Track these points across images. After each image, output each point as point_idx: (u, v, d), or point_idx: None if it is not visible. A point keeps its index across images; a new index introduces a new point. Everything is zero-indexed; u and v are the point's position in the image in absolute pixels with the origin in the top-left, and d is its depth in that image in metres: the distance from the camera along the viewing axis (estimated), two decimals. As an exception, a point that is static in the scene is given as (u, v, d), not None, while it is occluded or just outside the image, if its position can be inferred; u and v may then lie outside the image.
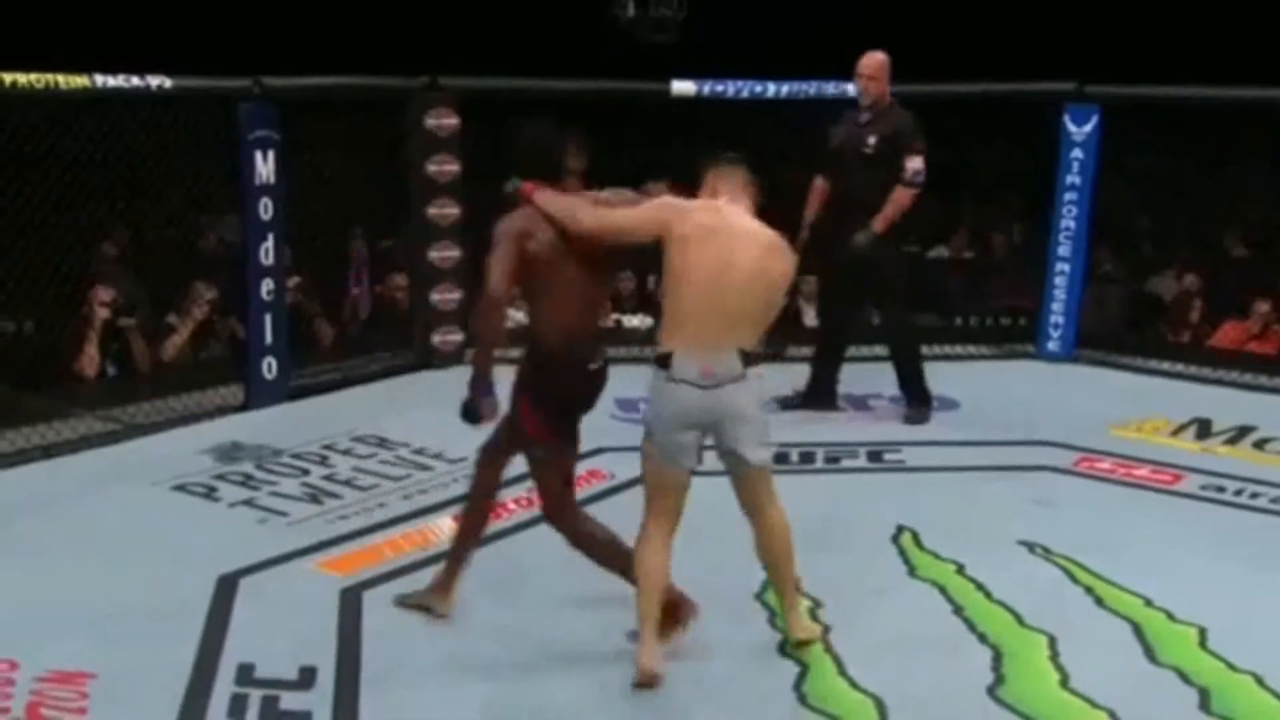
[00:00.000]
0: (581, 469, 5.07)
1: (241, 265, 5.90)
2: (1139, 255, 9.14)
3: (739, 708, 3.27)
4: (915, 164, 5.56)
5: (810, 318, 8.43)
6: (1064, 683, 3.38)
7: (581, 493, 4.86)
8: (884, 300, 6.09)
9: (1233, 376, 6.67)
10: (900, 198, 5.58)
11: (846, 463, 5.37)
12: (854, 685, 3.35)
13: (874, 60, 5.71)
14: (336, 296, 8.08)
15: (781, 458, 5.36)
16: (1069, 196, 6.93)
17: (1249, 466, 5.25)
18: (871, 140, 5.61)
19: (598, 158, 3.58)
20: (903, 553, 4.32)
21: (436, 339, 6.72)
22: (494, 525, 4.46)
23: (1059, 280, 7.05)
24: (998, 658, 3.52)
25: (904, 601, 3.95)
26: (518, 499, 4.56)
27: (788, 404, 5.91)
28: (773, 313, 3.47)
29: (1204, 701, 3.27)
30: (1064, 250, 6.99)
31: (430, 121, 6.50)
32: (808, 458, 5.41)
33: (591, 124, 3.69)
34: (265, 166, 5.76)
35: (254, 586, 3.94)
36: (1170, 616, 3.76)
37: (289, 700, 3.25)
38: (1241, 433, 5.71)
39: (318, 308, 7.10)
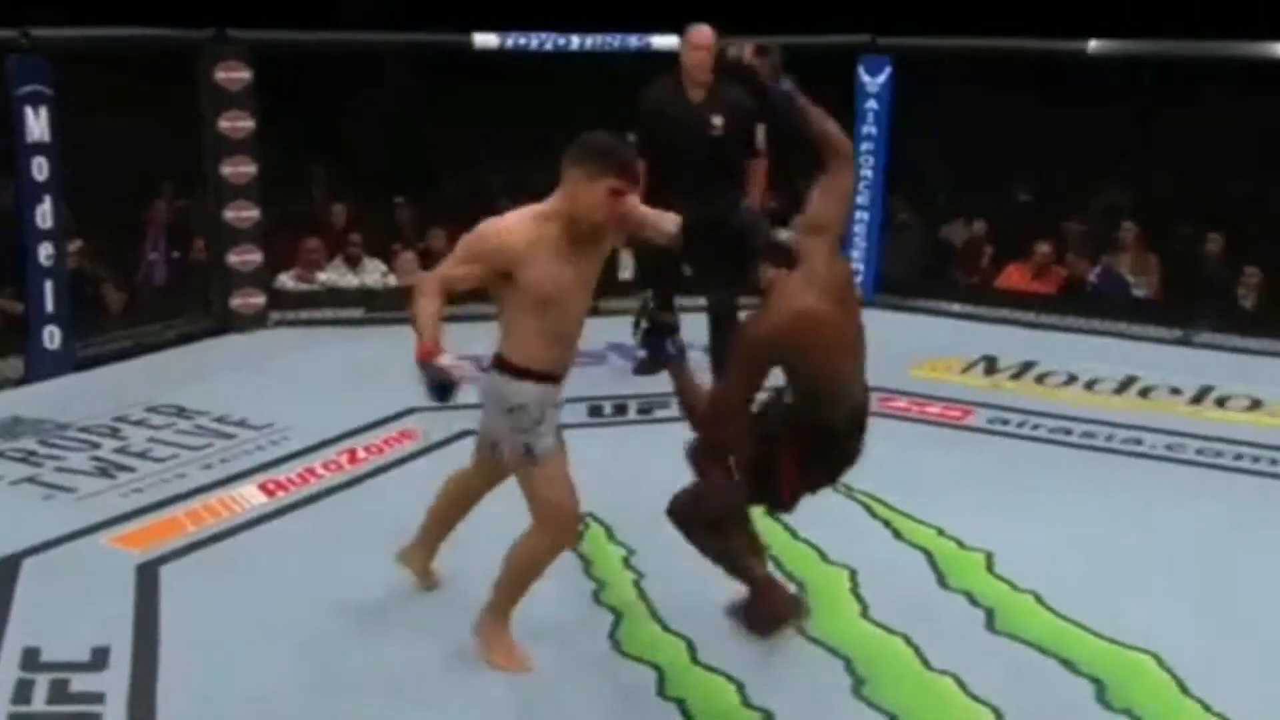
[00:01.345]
0: (393, 429, 5.02)
1: (16, 229, 5.54)
2: (933, 204, 9.48)
3: (554, 657, 3.26)
4: (761, 134, 5.52)
5: (628, 270, 8.49)
6: (863, 613, 3.51)
7: (393, 453, 4.80)
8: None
9: (1017, 315, 7.03)
10: (761, 172, 5.57)
11: (659, 413, 5.42)
12: (666, 629, 3.39)
13: (707, 34, 5.43)
14: (131, 261, 7.70)
15: (596, 410, 5.41)
16: (865, 147, 7.11)
17: (1031, 400, 5.54)
18: (717, 121, 5.41)
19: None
20: (712, 497, 4.40)
21: (236, 302, 6.47)
22: (314, 485, 4.41)
23: (858, 228, 7.26)
24: (801, 590, 3.61)
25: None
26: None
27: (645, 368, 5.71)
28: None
29: (990, 621, 3.44)
30: (862, 199, 7.19)
31: (220, 75, 6.21)
32: (620, 409, 5.45)
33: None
34: (38, 124, 5.40)
35: (39, 566, 3.72)
36: (960, 544, 3.93)
37: (80, 682, 3.09)
38: (1025, 368, 6.02)
39: (104, 273, 6.74)
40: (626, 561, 3.81)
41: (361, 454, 4.75)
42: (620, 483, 4.49)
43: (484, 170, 9.73)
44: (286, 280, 7.23)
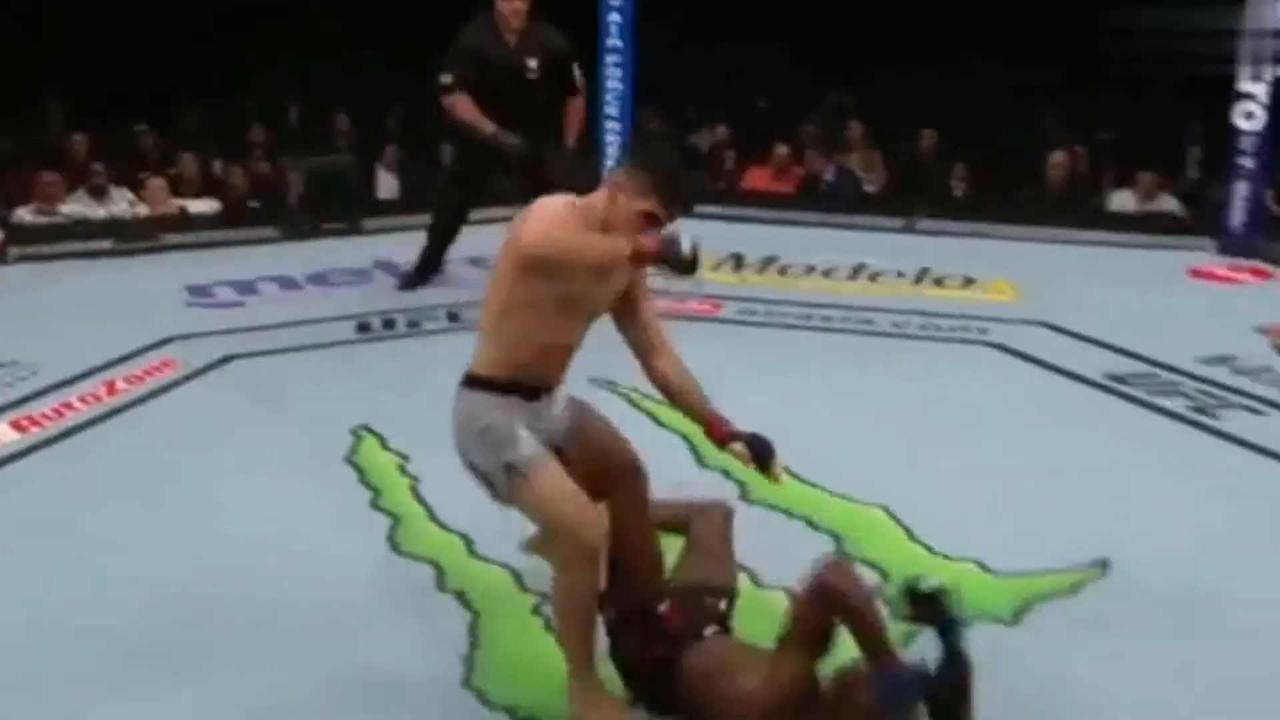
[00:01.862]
0: (153, 359, 4.82)
1: None
2: (681, 114, 9.65)
3: (333, 561, 3.24)
4: (578, 74, 5.55)
5: (387, 190, 8.30)
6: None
7: (154, 382, 4.61)
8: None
9: (760, 214, 7.30)
10: (579, 111, 5.61)
11: (427, 325, 5.40)
12: (444, 528, 3.43)
13: None
14: None
15: (364, 326, 5.34)
16: (611, 59, 7.18)
17: (775, 291, 5.81)
18: (533, 64, 5.39)
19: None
20: (483, 402, 4.44)
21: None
22: (71, 420, 4.20)
23: (610, 139, 7.34)
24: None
25: (486, 446, 4.07)
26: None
27: (407, 283, 5.86)
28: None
29: (744, 492, 3.63)
30: (612, 110, 7.27)
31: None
32: (389, 324, 5.40)
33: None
34: None
35: None
36: (716, 426, 4.13)
37: None
38: (768, 262, 6.29)
39: None
40: (401, 468, 3.82)
41: (121, 385, 4.54)
42: (392, 393, 4.48)
43: (235, 95, 9.29)
44: (25, 215, 6.75)
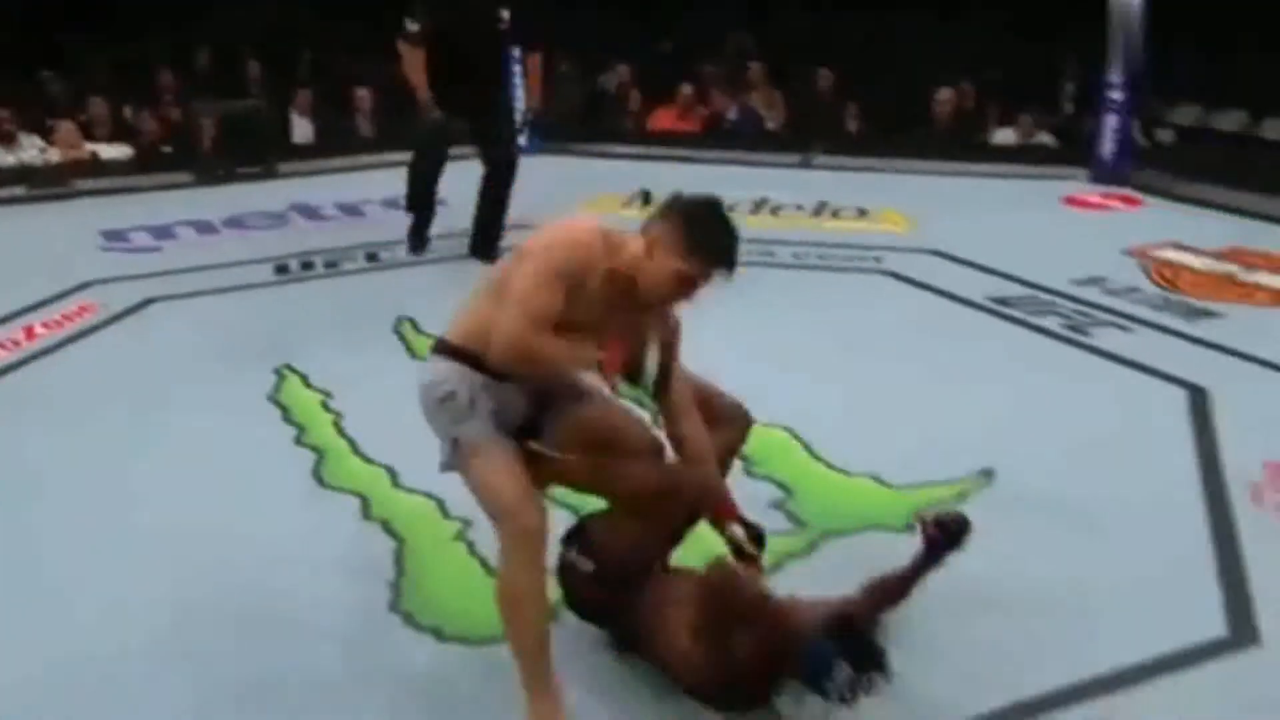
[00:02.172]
0: (71, 304, 4.66)
1: None
2: (589, 56, 9.51)
3: (257, 497, 3.19)
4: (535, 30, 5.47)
5: (301, 134, 8.06)
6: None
7: (74, 327, 4.46)
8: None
9: (667, 152, 7.27)
10: (537, 66, 5.53)
11: (346, 266, 5.30)
12: (368, 461, 3.39)
13: None
14: None
15: (282, 268, 5.21)
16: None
17: (682, 226, 5.80)
18: (505, 14, 5.20)
19: None
20: (403, 338, 4.38)
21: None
22: None
23: (519, 81, 7.20)
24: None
25: (409, 381, 4.00)
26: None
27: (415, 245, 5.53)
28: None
29: (654, 418, 3.64)
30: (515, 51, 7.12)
31: None
32: (307, 265, 5.28)
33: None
34: None
35: None
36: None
37: None
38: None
39: None
40: (324, 405, 3.76)
41: (40, 330, 4.39)
42: (312, 333, 4.40)
43: (142, 40, 8.88)
44: (-69, 165, 6.44)
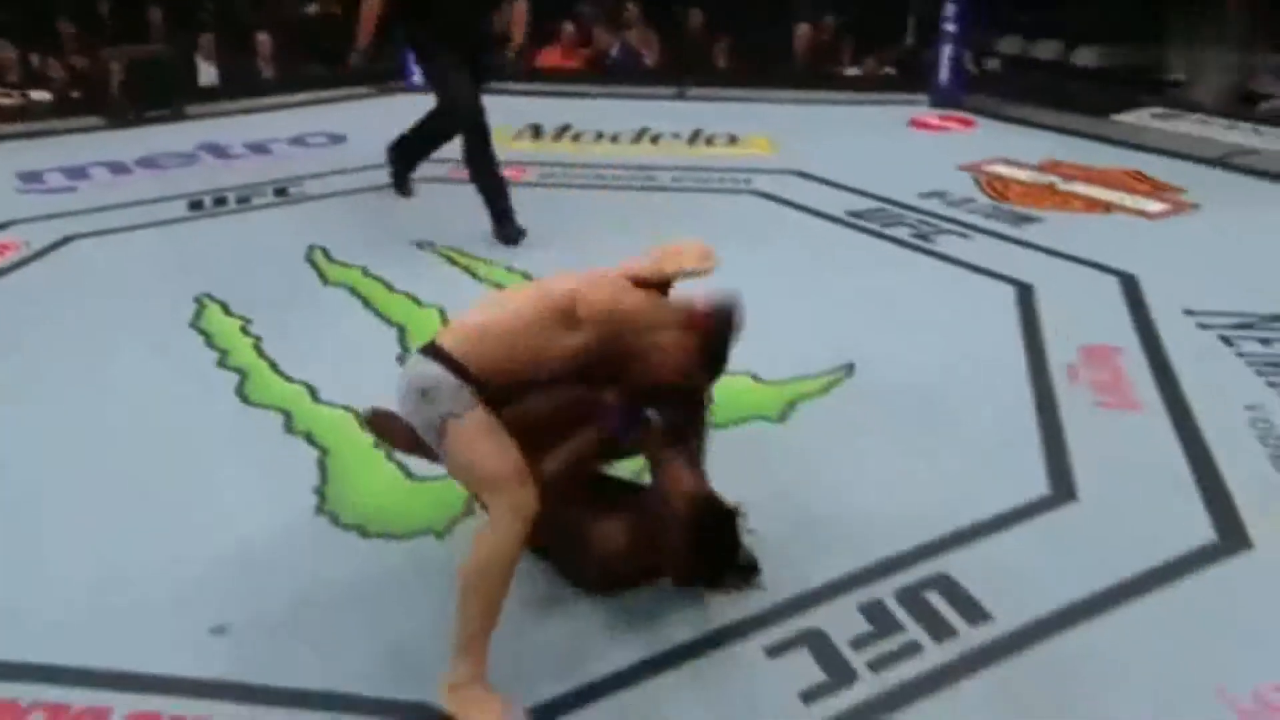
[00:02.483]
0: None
1: None
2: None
3: (185, 418, 3.07)
4: None
5: (207, 78, 7.63)
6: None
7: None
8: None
9: (553, 88, 7.10)
10: (522, 11, 4.79)
11: (257, 201, 5.07)
12: (288, 379, 3.29)
13: None
14: None
15: (196, 204, 4.97)
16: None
17: (571, 155, 5.70)
18: None
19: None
20: (315, 266, 4.23)
21: None
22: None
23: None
24: (403, 333, 3.62)
25: (321, 305, 3.90)
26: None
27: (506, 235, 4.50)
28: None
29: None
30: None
31: None
32: (220, 201, 5.04)
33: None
34: None
35: None
36: (525, 275, 4.06)
37: None
38: (563, 130, 6.16)
39: None
40: (244, 329, 3.62)
41: (-38, 270, 4.12)
42: (229, 264, 4.23)
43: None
44: None
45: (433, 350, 2.10)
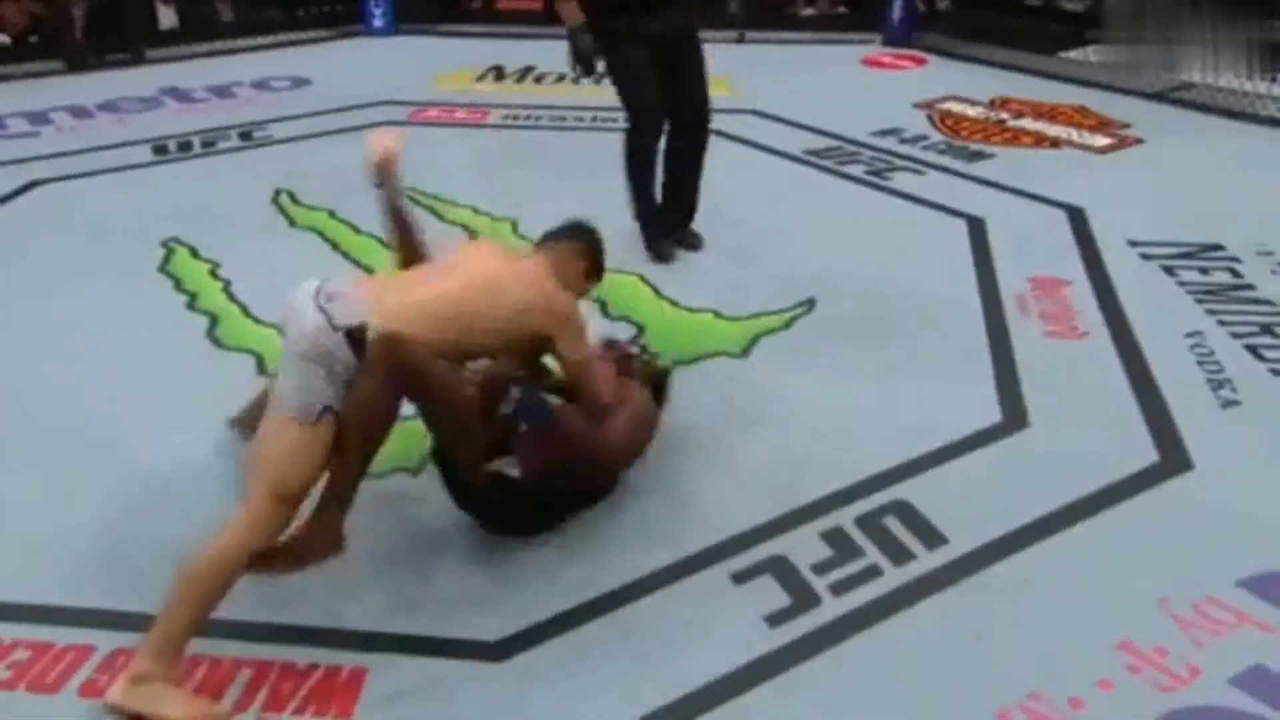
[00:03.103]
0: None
1: None
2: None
3: (155, 360, 2.98)
4: None
5: (167, 21, 7.32)
6: (424, 281, 3.48)
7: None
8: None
9: (516, 30, 6.89)
10: None
11: (222, 145, 4.90)
12: (259, 322, 3.20)
13: None
14: None
15: (161, 149, 4.79)
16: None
17: (531, 97, 5.55)
18: None
19: None
20: (282, 210, 4.10)
21: None
22: None
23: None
24: (372, 274, 3.52)
25: (290, 248, 3.79)
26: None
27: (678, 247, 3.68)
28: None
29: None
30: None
31: None
32: (185, 146, 4.85)
33: None
34: None
35: None
36: (491, 217, 3.98)
37: None
38: (525, 72, 5.99)
39: None
40: (213, 273, 3.51)
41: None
42: (196, 208, 4.09)
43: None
44: None
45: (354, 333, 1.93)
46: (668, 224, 3.66)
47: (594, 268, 2.44)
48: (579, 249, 2.41)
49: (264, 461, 1.92)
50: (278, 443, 1.92)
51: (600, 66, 3.38)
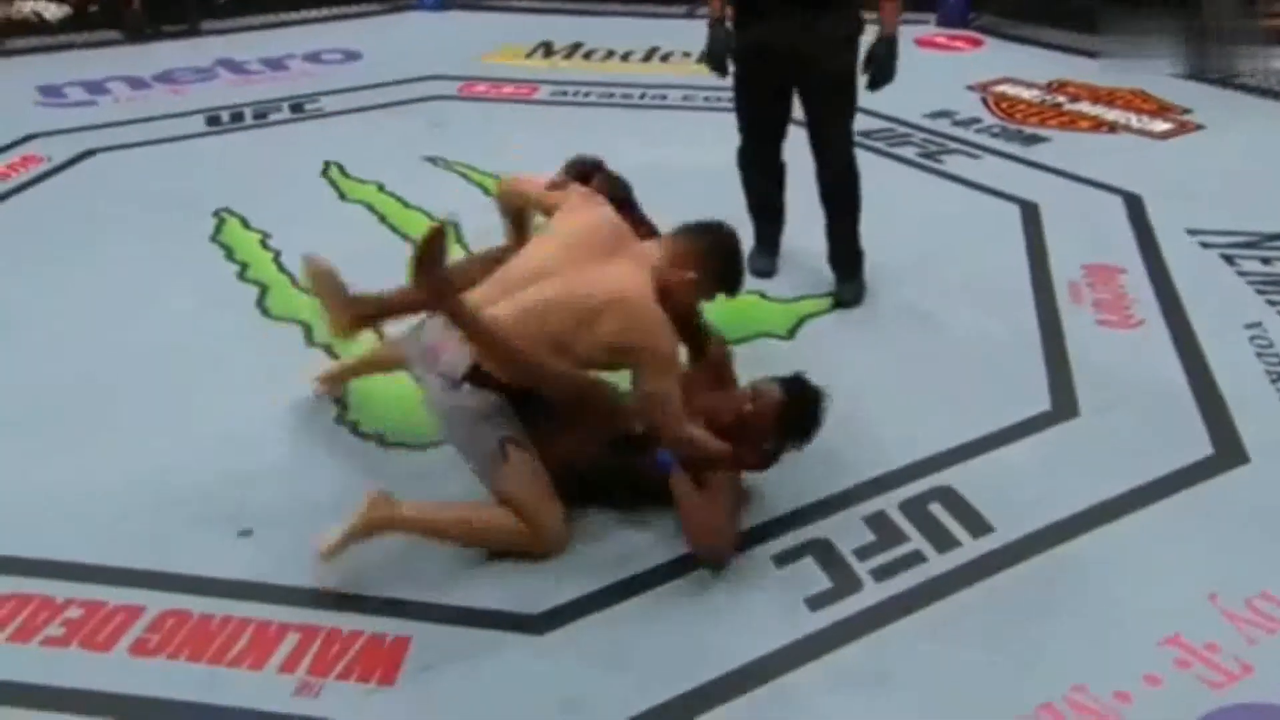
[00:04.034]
0: (18, 154, 4.29)
1: None
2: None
3: (209, 329, 3.03)
4: None
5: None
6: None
7: (21, 176, 4.12)
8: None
9: (565, 6, 6.86)
10: None
11: (273, 117, 4.94)
12: (308, 292, 3.21)
13: None
14: None
15: (214, 120, 4.85)
16: None
17: (582, 73, 5.52)
18: None
19: None
20: (333, 183, 4.13)
21: None
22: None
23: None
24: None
25: (340, 221, 3.81)
26: None
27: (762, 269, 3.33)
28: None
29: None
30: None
31: None
32: (237, 117, 4.91)
33: None
34: None
35: None
36: (539, 192, 3.97)
37: None
38: (574, 48, 5.96)
39: None
40: (264, 244, 3.55)
41: (-14, 182, 4.03)
42: (247, 178, 4.14)
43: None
44: None
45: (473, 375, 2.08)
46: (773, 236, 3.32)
47: (725, 274, 2.23)
48: (708, 247, 2.21)
49: (508, 505, 2.10)
50: (502, 490, 2.10)
51: (731, 67, 3.05)
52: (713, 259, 2.24)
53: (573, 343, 2.07)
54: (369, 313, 2.43)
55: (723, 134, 4.62)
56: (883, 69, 3.00)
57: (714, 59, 3.12)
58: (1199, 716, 1.79)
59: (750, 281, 3.26)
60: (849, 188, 3.16)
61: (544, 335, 2.07)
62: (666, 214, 3.73)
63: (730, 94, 3.26)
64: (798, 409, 2.21)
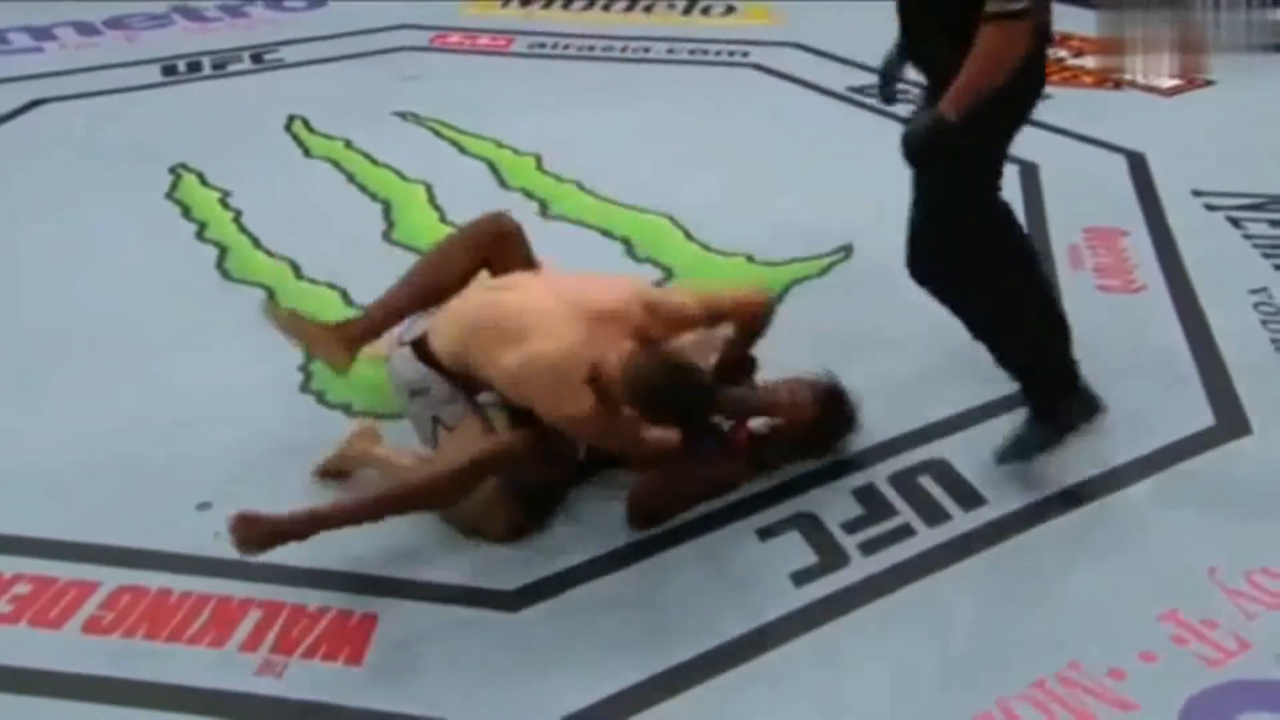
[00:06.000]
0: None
1: None
2: None
3: (164, 295, 3.00)
4: None
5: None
6: (442, 218, 3.45)
7: None
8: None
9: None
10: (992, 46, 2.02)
11: (233, 67, 4.87)
12: (270, 254, 3.20)
13: None
14: None
15: (169, 69, 4.77)
16: None
17: (561, 24, 5.46)
18: None
19: None
20: (297, 138, 4.08)
21: None
22: None
23: None
24: (388, 208, 3.51)
25: (303, 178, 3.77)
26: None
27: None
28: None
29: (543, 209, 3.51)
30: None
31: None
32: (195, 67, 4.83)
33: None
34: None
35: None
36: (515, 151, 3.93)
37: None
38: (553, -3, 5.89)
39: None
40: (223, 202, 3.51)
41: None
42: (205, 132, 4.08)
43: None
44: None
45: (425, 354, 2.22)
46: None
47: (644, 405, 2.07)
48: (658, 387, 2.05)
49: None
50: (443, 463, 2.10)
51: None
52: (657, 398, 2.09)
53: (483, 364, 2.13)
54: (355, 333, 2.37)
55: (707, 91, 4.63)
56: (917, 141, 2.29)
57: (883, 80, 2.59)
58: (1193, 694, 1.81)
59: (737, 243, 3.27)
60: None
61: (473, 343, 2.15)
62: (648, 176, 3.73)
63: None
64: (829, 427, 2.35)
